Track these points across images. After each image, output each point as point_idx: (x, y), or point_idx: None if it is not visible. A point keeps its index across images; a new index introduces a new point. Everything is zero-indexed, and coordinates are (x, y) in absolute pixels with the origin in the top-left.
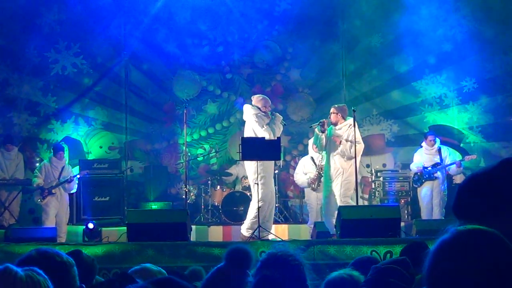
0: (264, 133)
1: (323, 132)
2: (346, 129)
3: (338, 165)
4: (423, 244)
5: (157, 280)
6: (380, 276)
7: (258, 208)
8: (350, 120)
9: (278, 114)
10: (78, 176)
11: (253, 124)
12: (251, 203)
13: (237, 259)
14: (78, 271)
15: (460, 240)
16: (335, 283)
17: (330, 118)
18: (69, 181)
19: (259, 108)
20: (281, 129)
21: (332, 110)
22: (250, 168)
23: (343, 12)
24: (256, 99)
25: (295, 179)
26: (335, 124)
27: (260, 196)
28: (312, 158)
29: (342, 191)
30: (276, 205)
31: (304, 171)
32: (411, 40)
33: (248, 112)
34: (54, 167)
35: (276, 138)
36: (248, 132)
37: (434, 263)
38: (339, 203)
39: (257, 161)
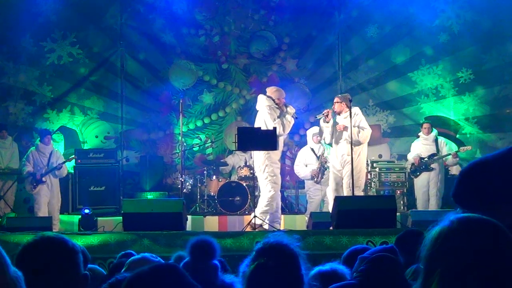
0: (275, 126)
1: (327, 122)
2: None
3: (345, 153)
4: (419, 232)
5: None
6: (374, 264)
7: (271, 196)
8: (355, 109)
9: (291, 106)
10: (70, 159)
11: (265, 115)
12: (262, 193)
13: (201, 251)
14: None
15: (458, 227)
16: (321, 277)
17: (334, 107)
18: (59, 167)
19: (273, 100)
20: (292, 122)
21: (336, 99)
22: (259, 158)
23: (339, 2)
24: (270, 90)
25: (295, 171)
26: (339, 113)
27: (270, 186)
28: (312, 149)
29: (351, 181)
30: None
31: (304, 162)
32: (408, 31)
33: (262, 103)
34: (42, 153)
35: (285, 132)
36: (259, 123)
37: (432, 247)
38: (346, 193)
39: (265, 152)
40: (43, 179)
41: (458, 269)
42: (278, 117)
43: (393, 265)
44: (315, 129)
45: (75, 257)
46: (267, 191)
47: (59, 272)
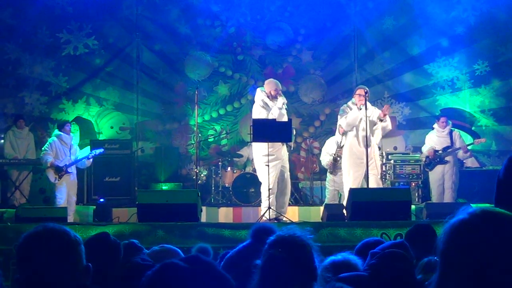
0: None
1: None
2: (373, 109)
3: (375, 145)
4: (429, 227)
5: (186, 257)
6: (385, 260)
7: (269, 190)
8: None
9: (282, 97)
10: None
11: (253, 109)
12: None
13: (262, 236)
14: (104, 253)
15: (476, 219)
16: (333, 267)
17: (367, 98)
18: (88, 157)
19: (266, 93)
20: (279, 113)
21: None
22: (260, 150)
23: None
24: (265, 83)
25: (320, 158)
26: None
27: (270, 179)
28: (337, 141)
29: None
30: None
31: (328, 152)
32: (424, 22)
33: (257, 97)
34: (64, 143)
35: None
36: (253, 115)
37: (449, 241)
38: (374, 185)
39: (268, 144)
40: (69, 169)
41: (476, 263)
42: (273, 107)
43: (403, 261)
44: (341, 120)
45: (76, 248)
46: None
47: (60, 263)
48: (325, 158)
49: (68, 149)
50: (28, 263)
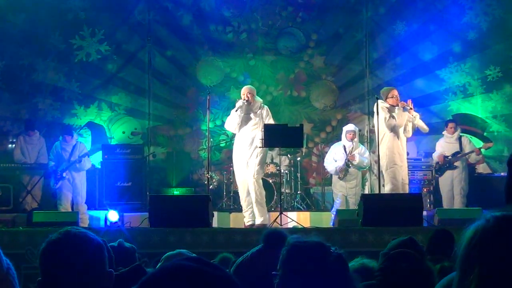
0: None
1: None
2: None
3: (404, 147)
4: (448, 233)
5: (190, 257)
6: (392, 263)
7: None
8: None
9: (239, 101)
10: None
11: None
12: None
13: (274, 241)
14: (119, 260)
15: (495, 225)
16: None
17: (398, 99)
18: (78, 161)
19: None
20: (234, 116)
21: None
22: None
23: None
24: None
25: (324, 164)
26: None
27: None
28: (344, 146)
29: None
30: (298, 192)
31: (334, 158)
32: (436, 28)
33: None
34: (63, 149)
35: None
36: None
37: (468, 247)
38: (401, 190)
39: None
40: (64, 174)
41: (496, 269)
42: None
43: (411, 259)
44: (348, 126)
45: (99, 254)
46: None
47: (83, 269)
48: (330, 164)
49: (68, 153)
50: (52, 267)
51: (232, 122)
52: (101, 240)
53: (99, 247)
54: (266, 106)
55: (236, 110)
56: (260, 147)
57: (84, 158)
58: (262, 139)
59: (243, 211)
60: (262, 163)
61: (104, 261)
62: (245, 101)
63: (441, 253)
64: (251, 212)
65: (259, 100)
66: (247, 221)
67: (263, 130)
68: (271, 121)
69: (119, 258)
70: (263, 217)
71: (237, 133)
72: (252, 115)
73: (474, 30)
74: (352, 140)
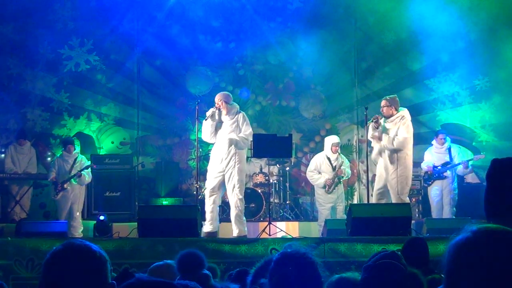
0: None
1: (377, 128)
2: (398, 120)
3: (394, 158)
4: (421, 240)
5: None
6: (375, 273)
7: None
8: (403, 111)
9: (212, 109)
10: (87, 166)
11: None
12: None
13: (189, 264)
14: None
15: (480, 237)
16: (336, 284)
17: (382, 111)
18: (78, 175)
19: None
20: (205, 124)
21: (384, 103)
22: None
23: (355, 9)
24: None
25: (308, 176)
26: (389, 117)
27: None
28: (328, 158)
29: (399, 188)
30: (287, 202)
31: (318, 169)
32: (424, 37)
33: None
34: (65, 160)
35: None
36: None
37: (454, 259)
38: (394, 201)
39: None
40: (65, 186)
41: (482, 282)
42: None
43: (394, 270)
44: (333, 138)
45: (102, 267)
46: None
47: (85, 281)
48: (316, 177)
49: (70, 166)
50: (54, 279)
51: (205, 131)
52: (104, 253)
53: (102, 259)
54: (242, 112)
55: (206, 119)
56: (235, 153)
57: (86, 171)
58: (251, 149)
59: (206, 220)
60: (242, 176)
61: (107, 274)
62: (216, 109)
63: (415, 263)
64: (211, 219)
65: (235, 106)
66: (206, 229)
67: (252, 140)
68: (248, 127)
69: None
70: (239, 229)
71: (214, 141)
72: (228, 120)
73: (462, 39)
74: (336, 152)
